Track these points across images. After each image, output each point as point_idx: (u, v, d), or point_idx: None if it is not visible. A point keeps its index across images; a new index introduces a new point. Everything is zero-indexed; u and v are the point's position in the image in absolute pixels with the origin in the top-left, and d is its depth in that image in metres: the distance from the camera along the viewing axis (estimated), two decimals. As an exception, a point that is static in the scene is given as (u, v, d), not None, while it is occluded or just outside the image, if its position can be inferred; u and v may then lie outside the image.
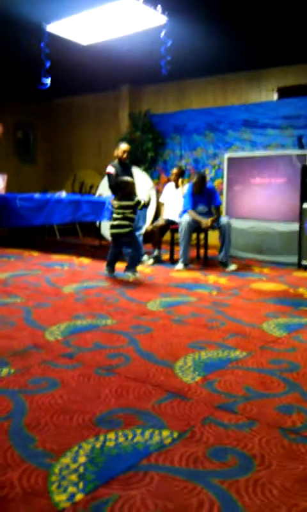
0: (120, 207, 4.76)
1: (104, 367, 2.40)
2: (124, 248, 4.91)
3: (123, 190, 4.84)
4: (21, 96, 9.47)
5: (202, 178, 5.81)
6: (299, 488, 1.47)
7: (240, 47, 6.31)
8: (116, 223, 4.76)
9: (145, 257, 6.06)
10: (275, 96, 7.30)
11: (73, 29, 5.59)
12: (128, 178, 4.97)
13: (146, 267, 5.68)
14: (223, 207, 6.79)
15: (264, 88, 7.40)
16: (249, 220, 6.65)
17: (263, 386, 2.21)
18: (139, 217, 6.07)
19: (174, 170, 6.50)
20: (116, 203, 4.84)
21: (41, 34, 5.56)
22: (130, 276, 4.75)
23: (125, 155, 6.08)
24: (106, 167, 6.25)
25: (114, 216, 4.80)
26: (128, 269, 4.78)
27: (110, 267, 4.99)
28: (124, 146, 6.12)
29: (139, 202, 4.78)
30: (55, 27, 5.54)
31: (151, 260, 6.02)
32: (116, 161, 6.15)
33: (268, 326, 3.24)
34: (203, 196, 5.88)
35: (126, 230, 4.73)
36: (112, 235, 4.83)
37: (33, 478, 1.49)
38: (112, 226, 4.80)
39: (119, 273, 5.13)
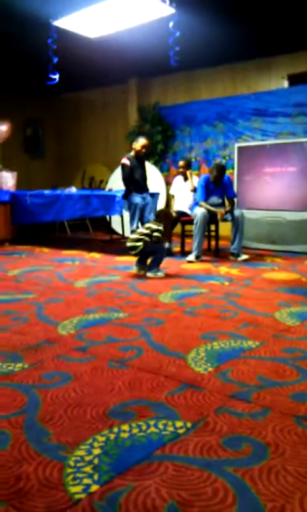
0: (145, 229, 4.71)
1: (117, 360, 2.42)
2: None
3: (159, 218, 4.80)
4: (29, 93, 9.49)
5: (222, 169, 5.77)
6: (313, 475, 1.47)
7: (248, 35, 6.24)
8: (132, 237, 4.71)
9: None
10: (285, 84, 7.21)
11: (81, 22, 5.58)
12: (167, 213, 4.98)
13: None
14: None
15: (274, 76, 7.31)
16: (260, 210, 6.61)
17: (276, 375, 2.21)
18: (150, 209, 6.08)
19: (181, 163, 6.49)
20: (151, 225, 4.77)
21: (49, 30, 5.55)
22: (151, 275, 4.70)
23: (143, 150, 6.09)
24: (115, 161, 6.27)
25: (139, 230, 4.76)
26: (149, 269, 4.75)
27: (139, 264, 4.85)
28: (143, 140, 6.13)
29: (151, 236, 4.68)
30: (63, 22, 5.53)
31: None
32: (132, 153, 6.16)
33: (280, 315, 3.23)
34: (218, 188, 5.85)
35: (137, 250, 4.65)
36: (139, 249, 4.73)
37: (48, 470, 1.50)
38: (129, 240, 4.73)
39: (128, 266, 5.15)
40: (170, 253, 6.14)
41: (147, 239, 4.64)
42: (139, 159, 6.18)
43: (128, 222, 6.80)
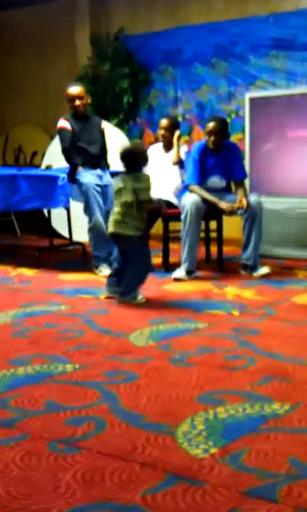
0: (120, 192, 4.69)
1: (63, 440, 2.40)
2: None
3: (133, 162, 4.74)
4: None
5: (222, 124, 5.85)
6: None
7: None
8: (114, 217, 4.71)
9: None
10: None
11: None
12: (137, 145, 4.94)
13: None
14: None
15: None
16: (285, 197, 6.67)
17: (317, 458, 2.22)
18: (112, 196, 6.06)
19: (164, 122, 6.52)
20: (115, 184, 4.76)
21: None
22: (127, 301, 4.70)
23: (77, 103, 6.13)
24: (56, 122, 6.27)
25: (115, 202, 4.77)
26: (123, 294, 4.73)
27: (110, 285, 4.90)
28: (73, 89, 6.20)
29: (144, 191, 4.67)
30: None
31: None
32: (70, 114, 6.22)
33: (322, 363, 3.27)
34: (219, 161, 5.89)
35: (129, 232, 4.65)
36: (111, 234, 4.82)
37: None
38: (111, 222, 4.76)
39: (80, 289, 5.13)
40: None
41: (134, 221, 4.63)
42: (83, 118, 6.26)
43: (79, 218, 6.76)
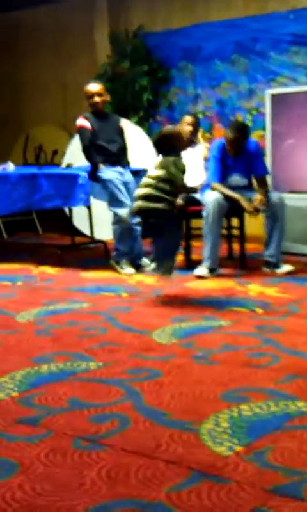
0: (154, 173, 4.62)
1: (87, 437, 2.41)
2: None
3: (165, 144, 4.68)
4: None
5: (243, 129, 5.83)
6: None
7: None
8: (142, 192, 4.60)
9: (145, 260, 6.04)
10: None
11: None
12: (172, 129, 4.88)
13: (146, 275, 5.68)
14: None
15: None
16: (308, 194, 6.65)
17: None
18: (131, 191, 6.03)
19: (188, 119, 6.55)
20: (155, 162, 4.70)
21: None
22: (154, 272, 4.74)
23: (96, 99, 6.15)
24: (75, 121, 6.29)
25: (143, 181, 4.70)
26: (154, 262, 4.74)
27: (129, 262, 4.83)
28: (92, 86, 6.23)
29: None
30: None
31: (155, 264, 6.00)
32: (89, 112, 6.25)
33: None
34: (240, 160, 5.88)
35: (159, 204, 4.51)
36: (138, 211, 4.68)
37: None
38: (139, 197, 4.64)
39: (101, 287, 5.14)
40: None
41: (165, 195, 4.50)
42: (102, 116, 6.29)
43: (100, 216, 6.78)
